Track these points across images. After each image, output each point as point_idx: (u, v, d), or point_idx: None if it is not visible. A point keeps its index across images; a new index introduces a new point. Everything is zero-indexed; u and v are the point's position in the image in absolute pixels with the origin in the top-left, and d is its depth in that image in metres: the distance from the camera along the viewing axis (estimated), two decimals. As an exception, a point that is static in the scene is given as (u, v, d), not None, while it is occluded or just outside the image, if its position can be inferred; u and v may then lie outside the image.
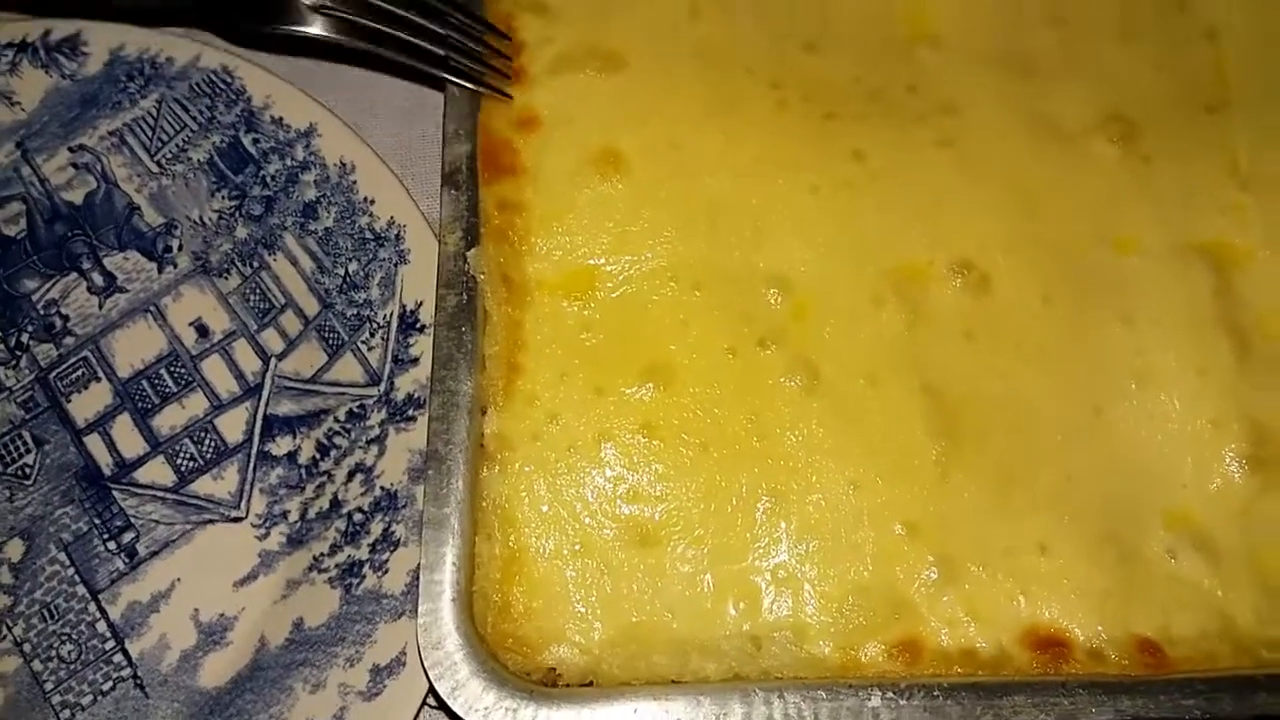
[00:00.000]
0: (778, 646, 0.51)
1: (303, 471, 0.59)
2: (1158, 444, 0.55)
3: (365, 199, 0.61)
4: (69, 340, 0.61)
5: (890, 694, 0.49)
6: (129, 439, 0.60)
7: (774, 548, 0.53)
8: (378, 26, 0.58)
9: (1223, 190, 0.59)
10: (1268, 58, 0.62)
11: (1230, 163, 0.60)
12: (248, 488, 0.60)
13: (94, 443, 0.60)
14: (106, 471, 0.59)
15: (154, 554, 0.58)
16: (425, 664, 0.48)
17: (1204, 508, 0.54)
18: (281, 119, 0.63)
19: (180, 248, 0.63)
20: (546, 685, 0.50)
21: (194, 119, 0.63)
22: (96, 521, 0.58)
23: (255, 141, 0.63)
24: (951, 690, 0.49)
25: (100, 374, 0.61)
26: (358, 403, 0.59)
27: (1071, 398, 0.56)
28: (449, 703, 0.48)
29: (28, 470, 0.59)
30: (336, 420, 0.60)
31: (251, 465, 0.60)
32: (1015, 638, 0.52)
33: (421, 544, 0.50)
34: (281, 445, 0.60)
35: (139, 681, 0.56)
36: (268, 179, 0.62)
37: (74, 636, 0.56)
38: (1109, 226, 0.58)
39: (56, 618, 0.56)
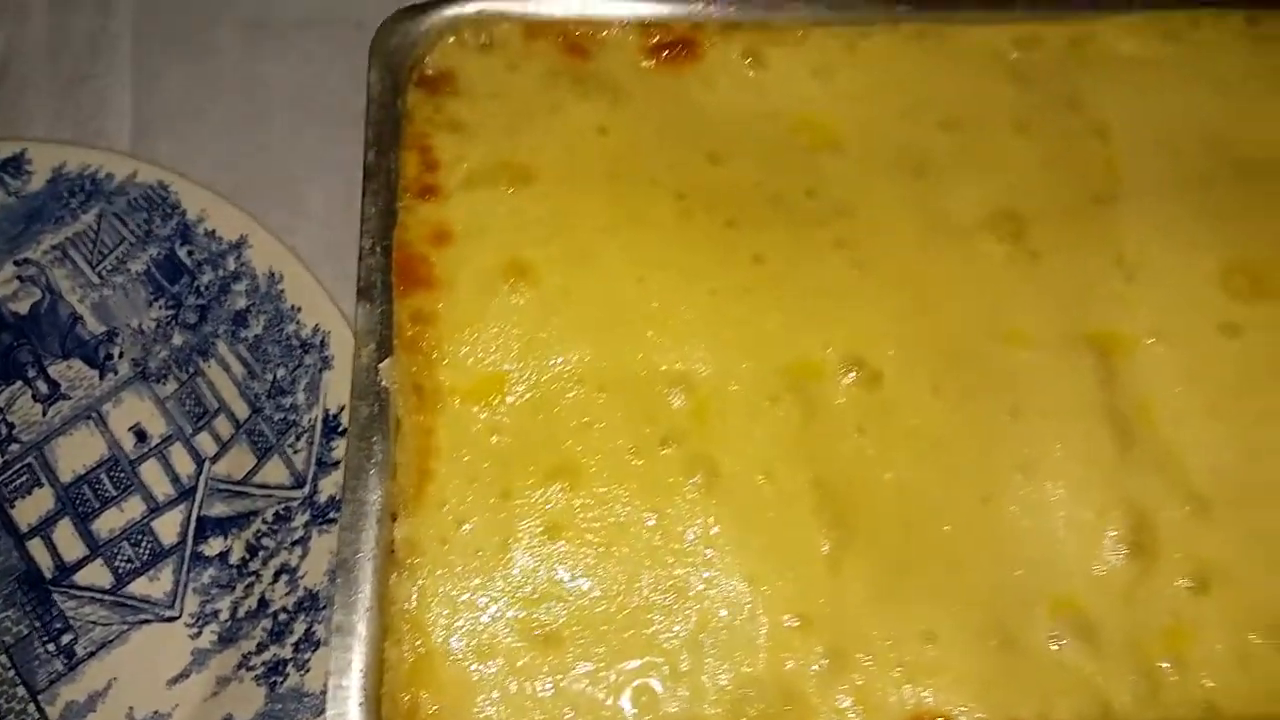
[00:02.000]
0: (677, 740, 0.54)
1: (234, 571, 0.62)
2: (1043, 532, 0.57)
3: (292, 307, 0.64)
4: (14, 447, 0.64)
5: (775, 787, 0.51)
6: (69, 542, 0.63)
7: (672, 643, 0.55)
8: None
9: (1110, 280, 0.62)
10: (1156, 152, 0.65)
11: (1117, 254, 0.62)
12: (182, 588, 0.62)
13: (36, 547, 0.63)
14: (47, 575, 0.62)
15: (91, 654, 0.61)
16: (333, 768, 0.51)
17: (1087, 594, 0.56)
18: (214, 231, 0.66)
19: (120, 355, 0.67)
20: (452, 783, 0.52)
21: (132, 232, 0.67)
22: (37, 624, 0.61)
23: (190, 253, 0.66)
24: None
25: (43, 480, 0.64)
26: (284, 505, 0.62)
27: (960, 488, 0.58)
28: (357, 805, 0.51)
29: (-28, 575, 0.62)
30: (265, 522, 0.63)
31: (185, 566, 0.63)
32: (901, 725, 0.54)
33: (330, 651, 0.53)
34: (214, 546, 0.63)
35: (75, 780, 0.58)
36: (201, 289, 0.66)
37: (15, 735, 0.59)
38: (998, 321, 0.61)
39: (-1, 718, 0.59)
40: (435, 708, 0.53)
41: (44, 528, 0.63)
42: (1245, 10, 0.68)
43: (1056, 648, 0.56)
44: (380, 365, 0.57)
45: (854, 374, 0.60)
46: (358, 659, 0.53)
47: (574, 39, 0.66)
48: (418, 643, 0.54)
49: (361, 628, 0.54)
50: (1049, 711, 0.55)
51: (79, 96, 0.74)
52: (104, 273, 0.67)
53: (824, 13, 0.67)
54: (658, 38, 0.66)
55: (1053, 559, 0.57)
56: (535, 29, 0.66)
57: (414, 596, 0.55)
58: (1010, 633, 0.56)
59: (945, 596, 0.56)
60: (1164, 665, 0.56)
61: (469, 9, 0.66)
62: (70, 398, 0.66)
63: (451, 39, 0.65)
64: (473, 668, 0.54)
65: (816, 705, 0.54)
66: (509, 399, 0.58)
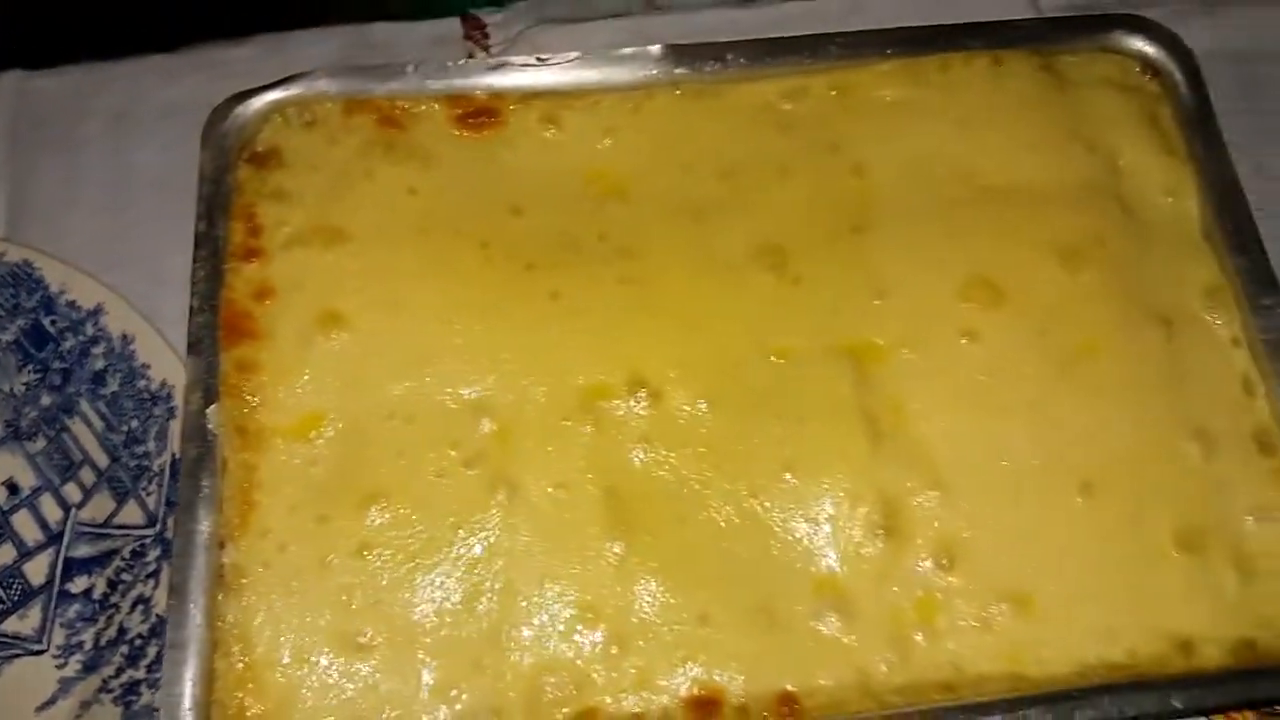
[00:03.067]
0: (479, 725, 0.60)
1: (96, 606, 0.69)
2: (806, 521, 0.64)
3: (143, 365, 0.72)
4: (-104, 504, 0.71)
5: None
6: (-54, 589, 0.69)
7: (476, 642, 0.62)
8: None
9: (864, 298, 0.70)
10: (907, 185, 0.73)
11: (871, 275, 0.70)
12: (49, 624, 0.69)
13: (-84, 594, 0.69)
14: (-75, 618, 0.68)
15: (-35, 689, 0.67)
16: (164, 767, 0.57)
17: (846, 575, 0.63)
18: (74, 301, 0.73)
19: (-5, 418, 0.73)
20: (276, 776, 0.59)
21: (1, 306, 0.74)
22: (-85, 663, 0.67)
23: (53, 322, 0.73)
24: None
25: (-77, 533, 0.70)
26: (139, 542, 0.69)
27: (731, 487, 0.65)
28: (186, 798, 0.57)
29: None
30: (123, 559, 0.69)
31: (53, 603, 0.69)
32: (677, 701, 0.61)
33: (163, 664, 0.59)
34: (79, 584, 0.70)
35: (-51, 803, 0.64)
36: (64, 353, 0.73)
37: (-105, 768, 0.65)
38: (766, 340, 0.68)
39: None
40: (259, 709, 0.60)
41: (-77, 576, 0.70)
42: (991, 52, 0.77)
43: (818, 624, 0.63)
44: (207, 410, 0.65)
45: (638, 393, 0.67)
46: (189, 670, 0.59)
47: (388, 112, 0.74)
48: (244, 655, 0.61)
49: (192, 643, 0.60)
50: (811, 681, 0.61)
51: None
52: (-24, 345, 0.74)
53: (610, 79, 0.75)
54: (463, 109, 0.74)
55: (814, 545, 0.64)
56: (353, 106, 0.74)
57: (239, 614, 0.61)
58: (776, 612, 0.63)
59: (718, 583, 0.63)
60: (916, 635, 0.62)
61: (293, 91, 0.74)
62: (-52, 459, 0.72)
63: (278, 119, 0.73)
64: (295, 674, 0.61)
65: (603, 686, 0.61)
66: (327, 434, 0.65)
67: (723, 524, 0.64)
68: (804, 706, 0.60)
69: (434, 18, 0.88)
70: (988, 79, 0.76)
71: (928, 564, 0.64)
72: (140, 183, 0.83)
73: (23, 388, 0.73)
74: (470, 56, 0.85)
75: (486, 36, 0.85)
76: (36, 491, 0.72)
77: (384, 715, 0.60)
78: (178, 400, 0.70)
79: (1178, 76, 0.76)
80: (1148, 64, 0.77)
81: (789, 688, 0.61)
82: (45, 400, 0.73)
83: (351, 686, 0.61)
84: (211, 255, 0.69)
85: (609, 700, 0.61)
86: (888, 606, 0.63)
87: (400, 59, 0.84)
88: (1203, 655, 0.62)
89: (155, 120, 0.85)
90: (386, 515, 0.64)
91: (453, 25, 0.87)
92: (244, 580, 0.62)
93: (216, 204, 0.70)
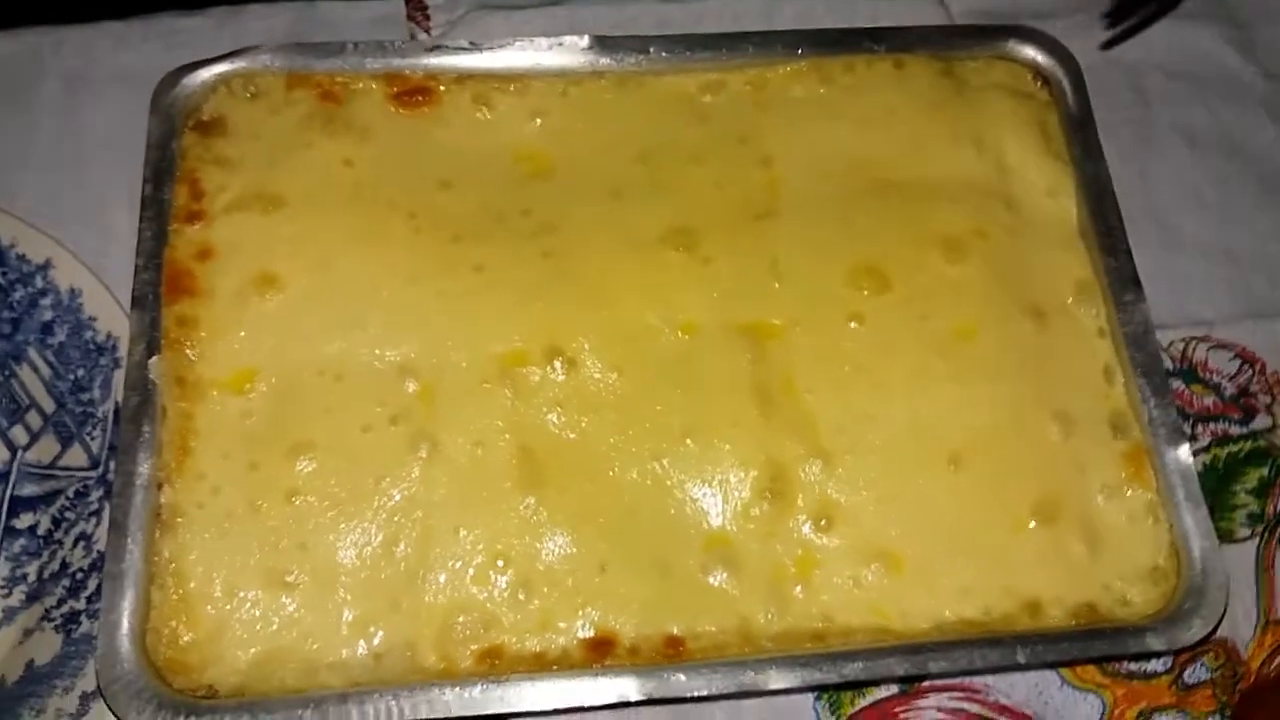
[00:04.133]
0: (393, 660, 0.66)
1: (40, 541, 0.73)
2: (702, 483, 0.70)
3: (89, 317, 0.76)
4: None
5: (459, 688, 0.64)
6: (-104, 523, 0.74)
7: (394, 583, 0.67)
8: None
9: (764, 281, 0.75)
10: (809, 177, 0.79)
11: (772, 260, 0.76)
12: (-5, 557, 0.73)
13: None
14: (-125, 551, 0.73)
15: (-86, 616, 0.72)
16: (101, 687, 0.63)
17: (734, 533, 0.70)
18: (24, 255, 0.77)
19: (-55, 363, 0.77)
20: (205, 699, 0.64)
21: (-48, 257, 0.78)
22: None
23: (4, 274, 0.77)
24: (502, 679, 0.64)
25: (-127, 471, 0.74)
26: (83, 483, 0.74)
27: (637, 450, 0.71)
28: (120, 716, 0.63)
29: None
30: (67, 498, 0.74)
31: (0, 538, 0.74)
32: (576, 641, 0.67)
33: (102, 594, 0.64)
34: (24, 521, 0.74)
35: (-102, 716, 0.69)
36: (14, 304, 0.77)
37: None
38: (673, 315, 0.74)
39: None
40: (190, 637, 0.65)
41: (-127, 511, 0.74)
42: (893, 56, 0.83)
43: (707, 576, 0.69)
44: (149, 361, 0.69)
45: (555, 361, 0.73)
46: (127, 600, 0.65)
47: (328, 88, 0.78)
48: (178, 587, 0.66)
49: (130, 577, 0.65)
50: (696, 627, 0.67)
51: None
52: (-72, 294, 0.77)
53: (539, 65, 0.80)
54: (399, 87, 0.79)
55: (708, 505, 0.70)
56: (295, 80, 0.78)
57: (174, 550, 0.66)
58: (670, 564, 0.69)
59: (619, 536, 0.69)
60: (794, 589, 0.69)
61: (239, 65, 0.78)
62: (-101, 401, 0.77)
63: (224, 89, 0.78)
64: (225, 607, 0.66)
65: (509, 626, 0.67)
66: (260, 388, 0.70)
67: (626, 483, 0.70)
68: (688, 649, 0.66)
69: (379, -1, 0.92)
70: (889, 81, 0.82)
71: (808, 525, 0.70)
72: (91, 144, 0.85)
73: (-28, 335, 0.77)
74: (412, 37, 0.89)
75: (428, 19, 0.89)
76: (-16, 433, 0.76)
77: (307, 647, 0.66)
78: (122, 351, 0.74)
79: (1065, 85, 0.82)
80: (1039, 72, 0.83)
81: (676, 631, 0.67)
82: (-6, 347, 0.77)
83: (277, 620, 0.66)
84: (156, 216, 0.73)
85: (514, 639, 0.66)
86: (770, 563, 0.69)
87: (345, 34, 0.89)
88: (1048, 616, 0.69)
89: (107, 84, 0.87)
90: (314, 465, 0.69)
91: (396, 6, 0.91)
92: (179, 519, 0.67)
93: (163, 168, 0.74)
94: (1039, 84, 0.83)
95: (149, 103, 0.79)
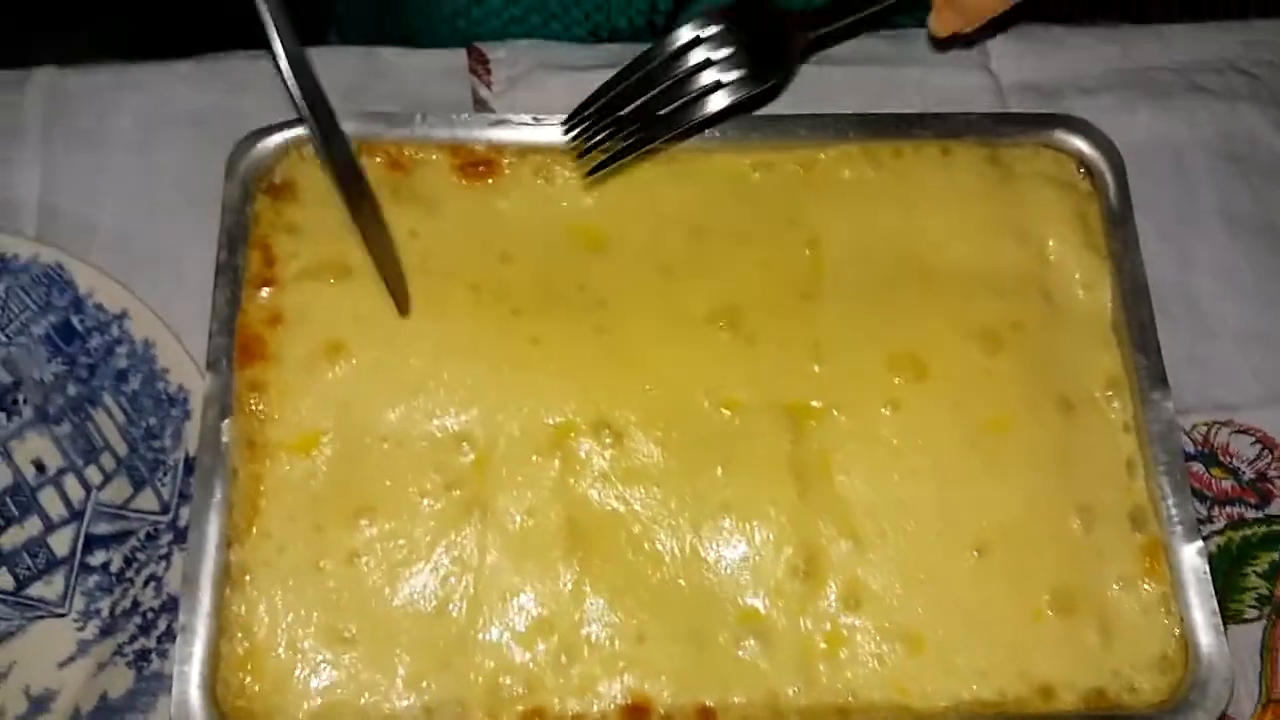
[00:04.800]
0: (443, 715, 0.70)
1: (113, 578, 0.78)
2: (737, 558, 0.74)
3: (162, 369, 0.80)
4: (-67, 476, 0.80)
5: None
6: (-21, 555, 0.79)
7: (445, 643, 0.71)
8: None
9: (806, 362, 0.79)
10: (854, 260, 0.81)
11: (814, 341, 0.79)
12: (71, 591, 0.78)
13: (-49, 557, 0.78)
14: (-40, 580, 0.78)
15: (-4, 644, 0.77)
16: (175, 733, 0.68)
17: (767, 608, 0.74)
18: (101, 304, 0.81)
19: (25, 401, 0.82)
20: (269, 747, 0.69)
21: (35, 302, 0.82)
22: (-49, 620, 0.77)
23: (81, 321, 0.81)
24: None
25: (-41, 503, 0.79)
26: (154, 526, 0.78)
27: (676, 523, 0.75)
28: (193, 761, 0.68)
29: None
30: (138, 539, 0.79)
31: (74, 573, 0.79)
32: (614, 706, 0.71)
33: (175, 646, 0.69)
34: (98, 558, 0.79)
35: (-20, 742, 0.75)
36: (91, 350, 0.81)
37: (-69, 710, 0.75)
38: (718, 392, 0.77)
39: (-79, 695, 0.75)
40: (257, 688, 0.70)
41: (-42, 542, 0.79)
42: (940, 142, 0.85)
43: (739, 649, 0.73)
44: (221, 424, 0.74)
45: (601, 434, 0.77)
46: (198, 651, 0.69)
47: (395, 157, 0.82)
48: (246, 640, 0.71)
49: (201, 628, 0.70)
50: (728, 698, 0.71)
51: (-8, 179, 0.88)
52: (10, 334, 0.82)
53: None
54: (463, 159, 0.82)
55: (743, 579, 0.74)
56: (364, 148, 0.81)
57: (243, 605, 0.71)
58: (705, 636, 0.73)
59: (657, 607, 0.73)
60: (820, 665, 0.73)
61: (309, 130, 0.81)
62: (-18, 435, 0.81)
63: (295, 154, 0.81)
64: (288, 659, 0.70)
65: (552, 689, 0.71)
66: (325, 452, 0.75)
67: (666, 555, 0.74)
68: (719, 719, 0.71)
69: (437, 46, 0.94)
70: (936, 167, 0.84)
71: (837, 604, 0.74)
72: (162, 187, 0.89)
73: (52, 377, 0.82)
74: (474, 93, 0.91)
75: (489, 72, 0.92)
76: (62, 472, 0.81)
77: (363, 699, 0.70)
78: (193, 405, 0.79)
79: (1108, 178, 0.84)
80: (1083, 163, 0.85)
81: (709, 703, 0.71)
82: (72, 390, 0.81)
83: (336, 673, 0.71)
84: (230, 282, 0.77)
85: (556, 701, 0.71)
86: (799, 638, 0.73)
87: (408, 85, 0.92)
88: (1060, 700, 0.73)
89: (179, 126, 0.91)
90: (374, 528, 0.73)
91: (459, 57, 0.94)
92: (247, 577, 0.72)
93: (236, 234, 0.78)
94: (1082, 175, 0.85)
95: (212, 149, 0.82)
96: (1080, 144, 0.85)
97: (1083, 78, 0.95)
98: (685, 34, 0.79)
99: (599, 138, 0.78)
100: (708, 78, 0.78)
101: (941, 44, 0.90)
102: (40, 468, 0.81)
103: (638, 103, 0.78)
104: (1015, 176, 0.84)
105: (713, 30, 0.79)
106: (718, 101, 0.78)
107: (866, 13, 0.83)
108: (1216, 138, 0.95)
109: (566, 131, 0.79)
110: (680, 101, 0.78)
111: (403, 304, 0.77)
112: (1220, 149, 0.95)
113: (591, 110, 0.79)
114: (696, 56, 0.79)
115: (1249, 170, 0.94)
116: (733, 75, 0.78)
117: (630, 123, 0.78)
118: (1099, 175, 0.84)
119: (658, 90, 0.78)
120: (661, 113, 0.78)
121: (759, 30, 0.80)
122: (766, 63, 0.80)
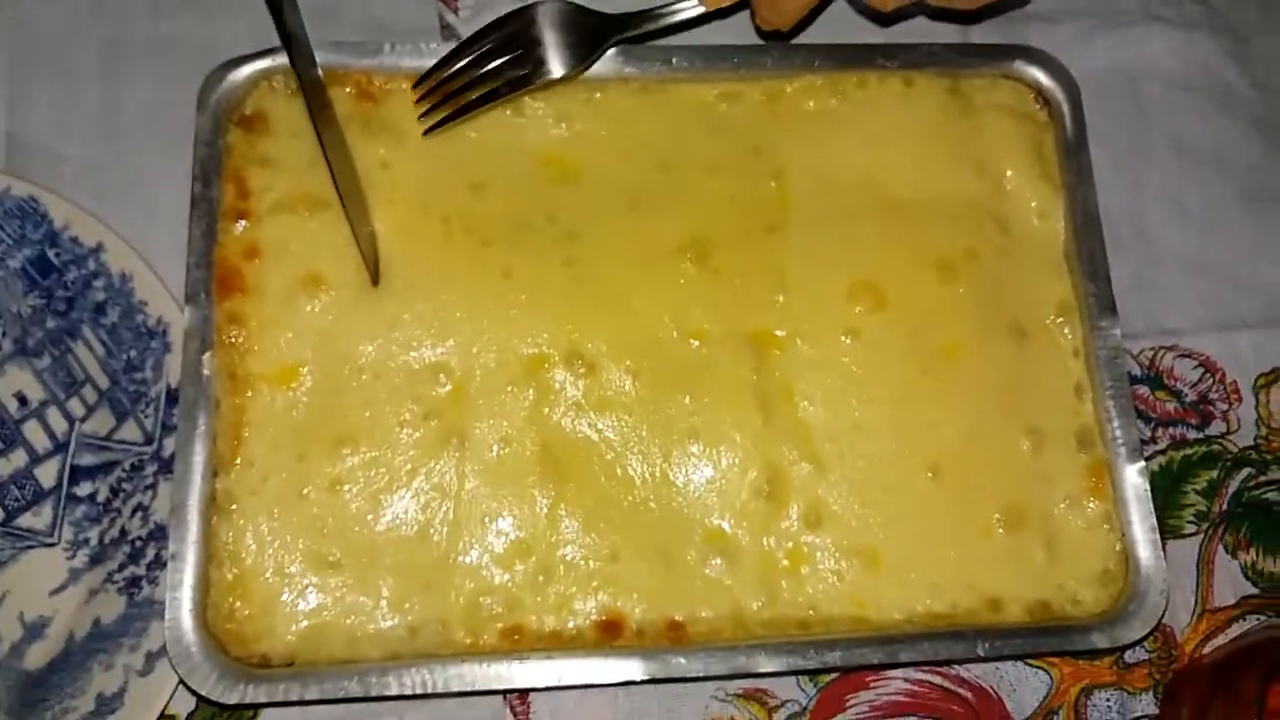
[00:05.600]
0: (426, 634, 0.74)
1: (100, 508, 0.81)
2: (704, 482, 0.78)
3: (140, 301, 0.81)
4: (-84, 411, 0.81)
5: (485, 664, 0.72)
6: (-33, 487, 0.80)
7: (427, 566, 0.75)
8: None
9: (771, 293, 0.81)
10: (819, 192, 0.83)
11: (778, 272, 0.82)
12: (59, 521, 0.80)
13: (-61, 490, 0.80)
14: (-50, 512, 0.80)
15: (-12, 573, 0.79)
16: (170, 656, 0.71)
17: (732, 528, 0.77)
18: (76, 238, 0.82)
19: (4, 334, 0.83)
20: (259, 667, 0.72)
21: (9, 236, 0.82)
22: (-58, 550, 0.79)
23: (58, 255, 0.82)
24: (524, 655, 0.72)
25: (-57, 437, 0.81)
26: (138, 457, 0.81)
27: (647, 449, 0.78)
28: (186, 681, 0.71)
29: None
30: (123, 470, 0.81)
31: (62, 504, 0.81)
32: (589, 622, 0.75)
33: (166, 573, 0.72)
34: (84, 489, 0.81)
35: (-22, 666, 0.77)
36: (68, 283, 0.82)
37: (-72, 636, 0.77)
38: (685, 323, 0.80)
39: (-84, 621, 0.77)
40: (246, 612, 0.73)
41: (-55, 476, 0.81)
42: (903, 73, 0.87)
43: (706, 567, 0.77)
44: (203, 357, 0.75)
45: (575, 365, 0.79)
46: (188, 579, 0.72)
47: (365, 88, 0.82)
48: (234, 567, 0.74)
49: (190, 556, 0.72)
50: (696, 613, 0.75)
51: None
52: (-14, 269, 0.82)
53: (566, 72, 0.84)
54: (432, 88, 0.83)
55: (709, 502, 0.77)
56: (333, 79, 0.81)
57: (230, 533, 0.74)
58: (674, 555, 0.76)
59: (629, 529, 0.76)
60: (782, 581, 0.77)
61: (279, 61, 0.81)
62: (-38, 370, 0.82)
63: (265, 85, 0.81)
64: (276, 584, 0.74)
65: (530, 607, 0.75)
66: (306, 383, 0.77)
67: (637, 480, 0.78)
68: (688, 633, 0.75)
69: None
70: (899, 98, 0.86)
71: (798, 523, 0.78)
72: (131, 118, 0.89)
73: (29, 309, 0.82)
74: (440, 17, 0.91)
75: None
76: (44, 404, 0.82)
77: (349, 620, 0.74)
78: (172, 336, 0.80)
79: (1065, 109, 0.86)
80: (1041, 94, 0.87)
81: (678, 617, 0.75)
82: (50, 323, 0.82)
83: (323, 596, 0.74)
84: (206, 215, 0.78)
85: (534, 619, 0.75)
86: (763, 556, 0.77)
87: (375, 9, 0.91)
88: (1008, 612, 0.77)
89: (145, 55, 0.90)
90: (355, 457, 0.76)
91: (426, -16, 0.93)
92: (233, 505, 0.74)
93: (210, 166, 0.79)
94: (1040, 105, 0.87)
95: (178, 79, 0.83)
96: (1038, 75, 0.87)
97: (1044, 7, 0.96)
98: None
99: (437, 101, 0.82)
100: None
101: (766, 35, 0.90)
102: (23, 400, 0.82)
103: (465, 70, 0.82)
104: (975, 109, 0.86)
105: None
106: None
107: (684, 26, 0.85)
108: (1172, 67, 0.97)
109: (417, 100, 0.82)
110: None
111: (372, 269, 0.79)
112: (1175, 78, 0.97)
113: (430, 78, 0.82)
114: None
115: (1200, 99, 0.97)
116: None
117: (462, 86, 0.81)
118: (1056, 106, 0.87)
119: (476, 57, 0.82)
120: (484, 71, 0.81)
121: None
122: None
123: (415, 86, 0.82)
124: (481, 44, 0.82)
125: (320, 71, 0.81)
